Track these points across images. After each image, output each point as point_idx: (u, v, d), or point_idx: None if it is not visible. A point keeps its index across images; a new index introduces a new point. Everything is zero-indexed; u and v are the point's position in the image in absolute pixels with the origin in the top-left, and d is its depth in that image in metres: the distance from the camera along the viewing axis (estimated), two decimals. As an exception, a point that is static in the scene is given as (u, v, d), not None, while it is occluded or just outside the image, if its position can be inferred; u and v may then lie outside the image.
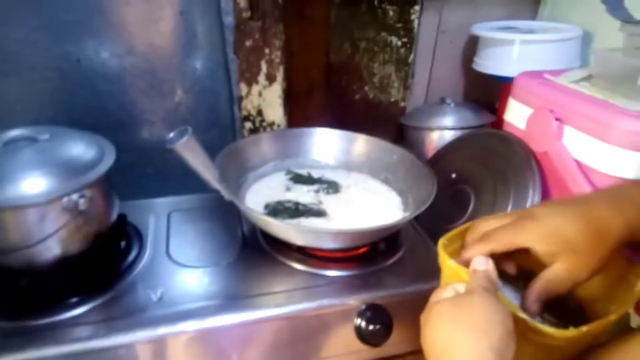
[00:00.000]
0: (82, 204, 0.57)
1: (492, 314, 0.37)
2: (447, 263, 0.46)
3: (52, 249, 0.59)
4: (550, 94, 0.76)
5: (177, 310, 0.59)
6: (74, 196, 0.56)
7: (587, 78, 0.79)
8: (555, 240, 0.43)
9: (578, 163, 0.70)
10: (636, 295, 0.45)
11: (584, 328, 0.41)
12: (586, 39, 0.97)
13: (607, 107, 0.67)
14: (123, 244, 0.70)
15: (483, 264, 0.43)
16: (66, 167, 0.58)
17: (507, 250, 0.45)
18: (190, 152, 0.60)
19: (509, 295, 0.47)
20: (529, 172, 0.75)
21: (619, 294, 0.47)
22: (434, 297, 0.42)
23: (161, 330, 0.56)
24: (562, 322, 0.47)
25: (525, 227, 0.44)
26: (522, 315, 0.41)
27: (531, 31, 0.97)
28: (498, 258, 0.45)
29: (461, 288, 0.42)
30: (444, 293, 0.42)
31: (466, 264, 0.45)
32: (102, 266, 0.64)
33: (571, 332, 0.40)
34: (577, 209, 0.44)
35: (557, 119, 0.73)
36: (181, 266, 0.67)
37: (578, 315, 0.48)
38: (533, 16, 1.15)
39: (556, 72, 0.82)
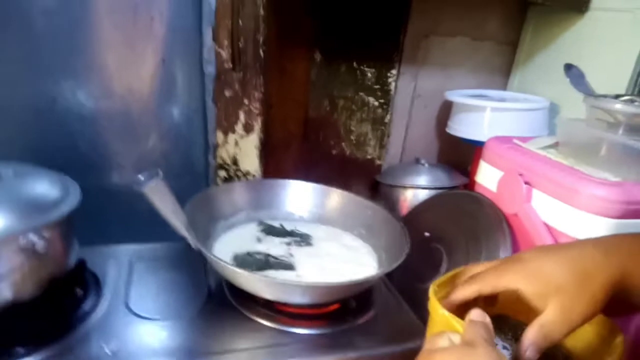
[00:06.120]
0: (40, 245, 0.54)
1: None
2: (439, 311, 0.45)
3: (1, 292, 0.54)
4: (520, 159, 0.79)
5: (131, 366, 0.55)
6: (32, 236, 0.53)
7: (554, 145, 0.82)
8: (542, 280, 0.42)
9: (546, 225, 0.72)
10: (618, 354, 0.45)
11: None
12: (553, 110, 1.03)
13: (573, 173, 0.70)
14: (79, 291, 0.66)
15: (480, 316, 0.42)
16: (26, 206, 0.56)
17: (493, 292, 0.44)
18: (159, 196, 0.58)
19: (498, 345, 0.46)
20: (500, 232, 0.76)
21: (607, 350, 0.46)
22: (429, 345, 0.41)
23: (111, 388, 0.52)
24: None
25: (511, 269, 0.44)
26: None
27: (502, 100, 1.03)
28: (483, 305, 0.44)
29: (455, 338, 0.40)
30: (440, 342, 0.40)
31: (452, 306, 0.44)
32: (55, 314, 0.60)
33: None
34: (562, 251, 0.44)
35: (526, 183, 0.75)
36: (140, 318, 0.63)
37: None
38: (503, 87, 1.21)
39: (524, 139, 0.86)
